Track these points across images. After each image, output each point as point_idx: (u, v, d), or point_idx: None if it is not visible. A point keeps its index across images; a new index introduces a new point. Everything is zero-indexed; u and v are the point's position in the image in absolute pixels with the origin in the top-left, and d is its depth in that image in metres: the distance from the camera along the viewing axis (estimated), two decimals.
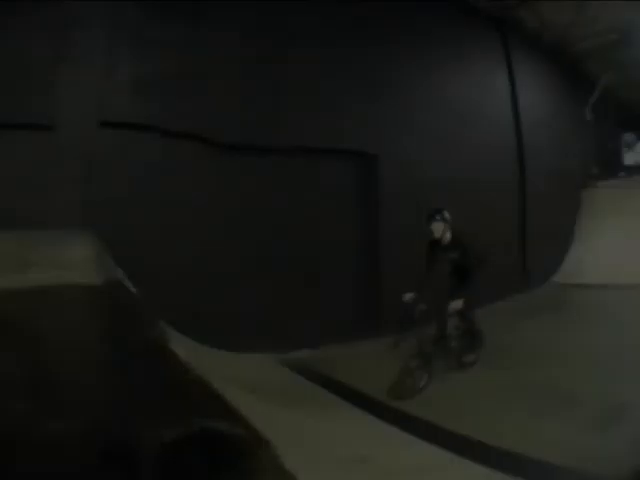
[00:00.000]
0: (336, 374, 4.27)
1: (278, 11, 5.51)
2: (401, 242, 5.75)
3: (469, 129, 7.25)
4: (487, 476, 2.27)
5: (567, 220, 9.24)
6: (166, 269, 4.48)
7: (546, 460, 2.48)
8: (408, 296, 4.03)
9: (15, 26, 4.28)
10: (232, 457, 1.29)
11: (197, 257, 4.74)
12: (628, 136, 12.35)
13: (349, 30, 6.04)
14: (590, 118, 10.13)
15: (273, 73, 5.46)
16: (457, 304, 3.98)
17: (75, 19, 4.48)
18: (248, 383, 3.32)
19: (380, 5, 6.27)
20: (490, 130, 7.67)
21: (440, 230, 4.17)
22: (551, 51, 9.27)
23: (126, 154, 4.63)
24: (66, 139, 4.37)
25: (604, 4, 7.48)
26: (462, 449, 2.62)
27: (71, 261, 2.24)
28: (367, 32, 6.20)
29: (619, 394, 3.35)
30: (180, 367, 1.79)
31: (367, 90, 6.07)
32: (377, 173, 6.04)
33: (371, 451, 2.33)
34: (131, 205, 4.53)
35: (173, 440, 1.26)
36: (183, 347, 3.66)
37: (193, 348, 4.04)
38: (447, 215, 4.20)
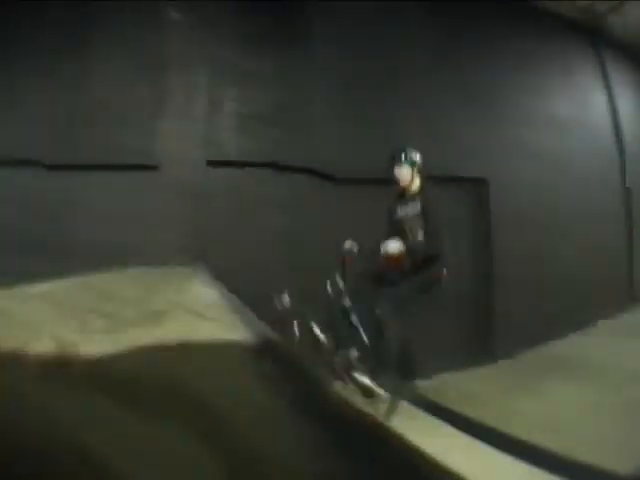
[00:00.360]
0: (450, 402, 3.74)
1: (387, 39, 5.26)
2: (514, 267, 5.26)
3: (572, 147, 6.55)
4: None
5: None
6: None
7: None
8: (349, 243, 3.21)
9: (118, 68, 4.35)
10: None
11: (309, 289, 4.23)
12: None
13: (456, 55, 5.71)
14: None
15: (385, 104, 5.13)
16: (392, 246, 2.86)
17: (175, 58, 4.46)
18: None
19: (480, 29, 5.96)
20: (592, 146, 6.89)
21: (407, 176, 3.14)
22: None
23: (235, 190, 4.41)
24: (173, 178, 4.23)
25: None
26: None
27: (201, 306, 1.57)
28: (474, 57, 5.86)
29: None
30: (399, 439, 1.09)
31: (474, 114, 5.65)
32: (487, 198, 5.53)
33: None
34: (243, 240, 4.30)
35: None
36: None
37: None
38: (416, 156, 3.18)
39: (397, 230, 3.14)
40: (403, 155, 3.12)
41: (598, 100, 7.29)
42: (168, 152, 4.23)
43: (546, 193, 5.94)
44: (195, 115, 4.38)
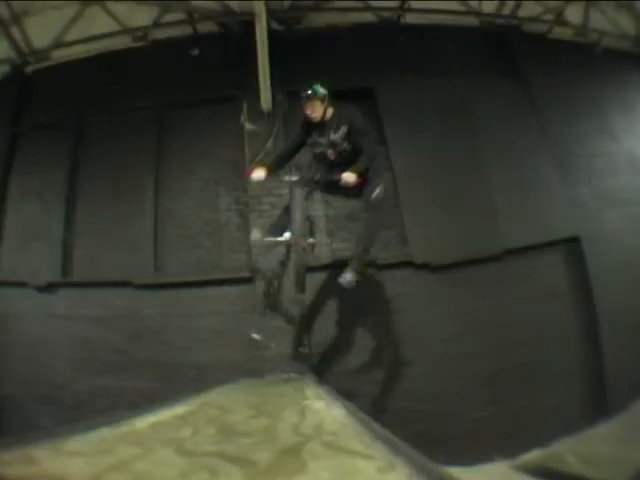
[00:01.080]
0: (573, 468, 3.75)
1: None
2: (619, 324, 4.81)
3: None
4: None
5: None
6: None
7: None
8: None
9: (195, 184, 4.64)
10: None
11: (419, 379, 4.24)
12: None
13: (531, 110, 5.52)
14: None
15: (471, 179, 5.03)
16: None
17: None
18: None
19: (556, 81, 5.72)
20: None
21: (319, 109, 3.22)
22: None
23: (336, 294, 4.24)
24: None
25: None
26: None
27: (338, 435, 1.27)
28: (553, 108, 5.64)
29: None
30: None
31: (559, 170, 5.37)
32: (582, 255, 5.10)
33: None
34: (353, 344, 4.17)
35: None
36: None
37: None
38: (321, 89, 3.22)
39: (323, 157, 3.37)
40: (311, 91, 3.21)
41: None
42: (261, 264, 4.20)
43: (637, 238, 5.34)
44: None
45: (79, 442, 0.88)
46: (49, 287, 4.27)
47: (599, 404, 4.57)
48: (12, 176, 4.81)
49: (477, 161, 5.06)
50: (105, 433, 0.99)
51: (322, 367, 3.95)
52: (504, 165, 5.15)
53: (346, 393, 3.56)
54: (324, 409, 1.33)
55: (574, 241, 5.14)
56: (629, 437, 3.55)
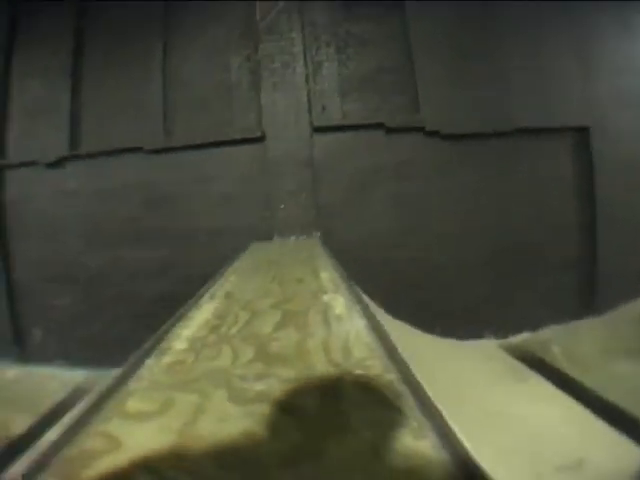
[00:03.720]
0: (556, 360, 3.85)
1: None
2: (617, 221, 5.02)
3: None
4: None
5: None
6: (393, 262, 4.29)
7: None
8: None
9: (204, 46, 4.32)
10: None
11: (421, 248, 4.44)
12: None
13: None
14: None
15: (488, 57, 4.78)
16: None
17: (270, 24, 4.25)
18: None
19: None
20: None
21: None
22: None
23: (346, 155, 4.26)
24: (280, 149, 4.09)
25: None
26: None
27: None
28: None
29: None
30: None
31: (575, 63, 5.14)
32: (589, 147, 5.12)
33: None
34: (359, 206, 4.26)
35: None
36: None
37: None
38: None
39: None
40: None
41: None
42: (272, 122, 4.08)
43: None
44: (295, 82, 4.16)
45: (136, 395, 0.92)
46: (58, 162, 4.16)
47: (588, 300, 4.92)
48: (14, 53, 4.46)
49: (498, 43, 4.80)
50: (153, 370, 1.04)
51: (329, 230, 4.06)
52: (524, 50, 4.90)
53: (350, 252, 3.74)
54: (346, 316, 1.39)
55: (583, 131, 5.09)
56: (611, 338, 3.74)
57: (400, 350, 1.44)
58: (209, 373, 0.99)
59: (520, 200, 4.85)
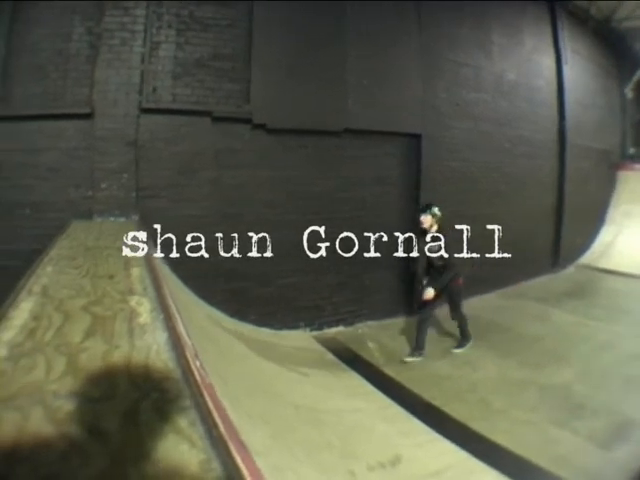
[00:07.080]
0: (368, 353, 4.73)
1: None
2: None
3: (513, 105, 7.04)
4: None
5: (601, 201, 9.18)
6: (210, 248, 4.47)
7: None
8: None
9: (51, 11, 4.12)
10: None
11: (246, 237, 4.70)
12: None
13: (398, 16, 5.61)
14: (631, 97, 9.85)
15: (330, 56, 5.12)
16: (428, 292, 4.41)
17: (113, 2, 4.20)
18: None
19: None
20: (534, 108, 7.41)
21: (427, 222, 4.59)
22: (598, 28, 8.89)
23: (172, 139, 4.43)
24: (107, 127, 4.18)
25: None
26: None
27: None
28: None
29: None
30: None
31: (417, 71, 5.73)
32: (420, 152, 5.80)
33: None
34: (180, 190, 4.46)
35: None
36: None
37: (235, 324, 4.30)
38: (436, 210, 4.59)
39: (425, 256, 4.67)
40: (428, 209, 4.60)
41: (546, 65, 7.69)
42: (103, 99, 4.14)
43: (480, 152, 6.40)
44: (131, 61, 4.22)
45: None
46: None
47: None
48: None
49: (342, 43, 5.13)
50: None
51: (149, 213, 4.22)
52: (368, 51, 5.30)
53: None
54: (149, 327, 1.55)
55: (416, 137, 5.67)
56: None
57: (199, 363, 1.67)
58: (27, 387, 1.07)
59: (341, 197, 5.28)
